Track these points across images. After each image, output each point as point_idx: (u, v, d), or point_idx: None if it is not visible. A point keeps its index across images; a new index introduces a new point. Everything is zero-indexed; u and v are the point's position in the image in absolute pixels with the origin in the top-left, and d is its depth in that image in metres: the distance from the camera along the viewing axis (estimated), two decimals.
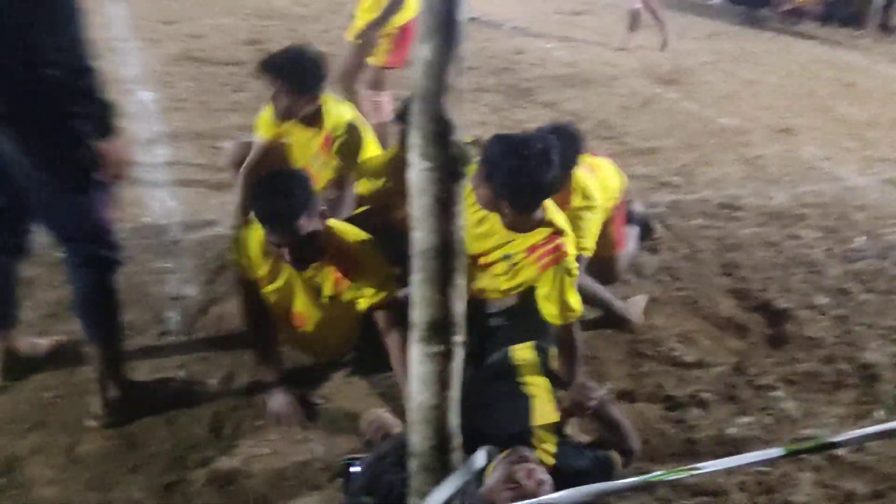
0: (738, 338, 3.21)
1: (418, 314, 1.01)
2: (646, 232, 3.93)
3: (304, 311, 2.65)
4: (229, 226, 3.79)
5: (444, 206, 0.92)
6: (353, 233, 2.60)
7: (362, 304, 2.53)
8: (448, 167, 0.90)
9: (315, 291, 2.58)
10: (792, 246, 4.00)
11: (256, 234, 2.52)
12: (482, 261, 2.66)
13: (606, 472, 2.20)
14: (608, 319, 3.18)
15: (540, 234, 2.57)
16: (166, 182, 4.28)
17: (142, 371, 2.75)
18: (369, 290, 2.51)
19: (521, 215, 2.52)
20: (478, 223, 2.62)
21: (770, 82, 7.44)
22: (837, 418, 2.70)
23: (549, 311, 2.53)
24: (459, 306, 1.00)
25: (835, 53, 9.05)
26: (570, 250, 2.57)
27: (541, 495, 1.68)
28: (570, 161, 2.91)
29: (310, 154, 3.31)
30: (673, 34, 9.53)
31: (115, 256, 2.42)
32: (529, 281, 2.60)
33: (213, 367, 2.80)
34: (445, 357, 1.02)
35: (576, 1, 11.47)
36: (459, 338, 1.01)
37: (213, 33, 7.68)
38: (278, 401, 2.58)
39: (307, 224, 2.37)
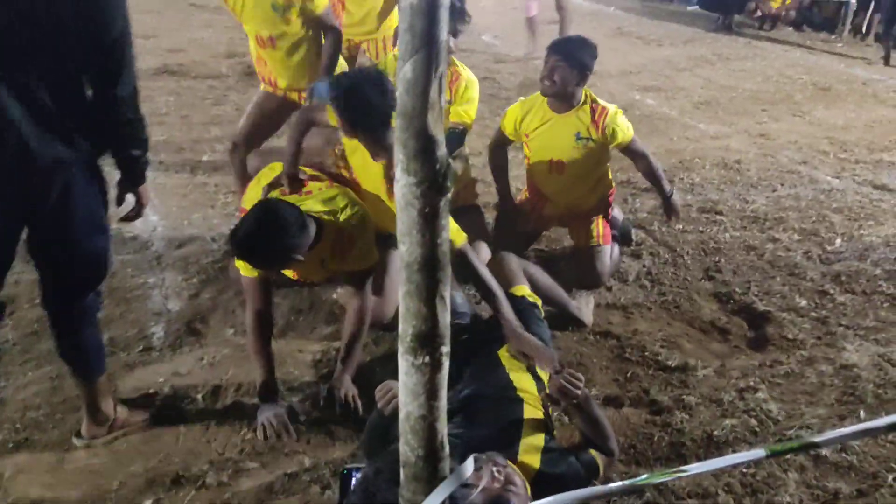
0: (720, 341, 3.25)
1: (404, 326, 1.03)
2: (626, 238, 3.97)
3: (308, 277, 3.00)
4: (212, 239, 3.80)
5: (428, 220, 0.94)
6: (344, 216, 2.71)
7: (354, 265, 2.78)
8: (432, 182, 0.92)
9: (317, 265, 2.77)
10: (772, 249, 4.05)
11: None
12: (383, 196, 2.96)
13: (591, 475, 2.21)
14: (564, 316, 3.25)
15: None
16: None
17: (127, 386, 2.74)
18: (360, 260, 2.76)
19: (375, 142, 2.75)
20: (372, 164, 2.89)
21: (747, 87, 7.53)
22: (820, 419, 2.73)
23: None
24: (445, 317, 1.01)
25: (810, 58, 9.18)
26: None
27: (509, 497, 1.69)
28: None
29: None
30: (650, 40, 9.63)
31: (101, 297, 2.37)
32: None
33: (198, 383, 2.79)
34: (432, 368, 1.03)
35: (553, 9, 11.58)
36: (446, 349, 1.03)
37: (192, 47, 7.69)
38: (267, 413, 2.58)
39: (297, 256, 2.49)
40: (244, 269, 2.64)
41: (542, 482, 2.01)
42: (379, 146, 2.74)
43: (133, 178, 2.20)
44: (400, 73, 0.90)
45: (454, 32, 3.43)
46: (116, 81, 1.99)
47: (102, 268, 2.24)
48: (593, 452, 2.25)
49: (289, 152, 2.98)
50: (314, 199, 2.74)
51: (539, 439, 2.19)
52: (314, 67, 3.73)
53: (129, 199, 2.28)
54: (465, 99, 3.51)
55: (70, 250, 2.13)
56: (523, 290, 2.90)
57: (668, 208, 3.68)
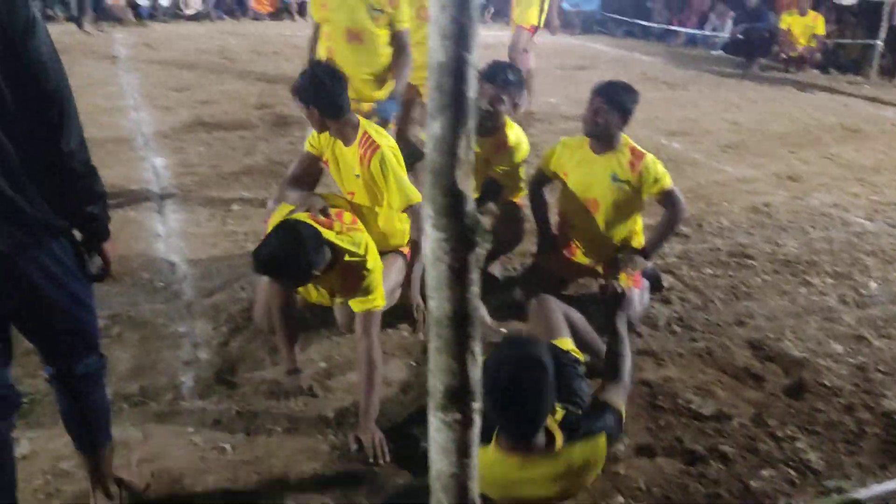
0: (755, 388, 3.18)
1: (434, 382, 1.02)
2: (655, 284, 3.93)
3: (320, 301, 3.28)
4: (241, 288, 3.83)
5: (459, 275, 0.94)
6: (360, 253, 2.88)
7: (356, 307, 2.87)
8: (461, 237, 0.92)
9: (325, 291, 3.13)
10: (805, 293, 3.99)
11: None
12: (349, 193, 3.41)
13: (619, 427, 2.45)
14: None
15: (357, 142, 3.27)
16: (179, 247, 4.32)
17: (156, 437, 2.74)
18: (364, 299, 2.86)
19: (331, 120, 3.23)
20: (348, 166, 3.33)
21: (774, 130, 7.52)
22: (861, 468, 2.65)
23: (395, 201, 3.21)
24: (476, 373, 1.01)
25: (837, 100, 9.15)
26: (376, 137, 3.25)
27: None
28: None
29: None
30: (675, 85, 9.68)
31: (104, 361, 2.24)
32: (378, 187, 3.28)
33: (227, 433, 2.79)
34: (463, 425, 1.02)
35: (578, 56, 11.72)
36: (477, 405, 1.01)
37: (224, 99, 7.86)
38: (291, 380, 3.04)
39: (314, 272, 2.72)
40: None
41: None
42: (348, 127, 3.25)
43: (95, 236, 2.03)
44: (429, 130, 0.91)
45: (515, 107, 3.89)
46: (59, 134, 1.80)
47: (89, 336, 2.13)
48: (612, 402, 2.46)
49: (297, 198, 3.26)
50: (336, 234, 2.90)
51: (558, 415, 2.23)
52: (382, 81, 4.21)
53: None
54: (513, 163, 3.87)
55: (51, 329, 2.02)
56: (567, 343, 2.78)
57: (633, 262, 3.56)
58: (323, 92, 3.16)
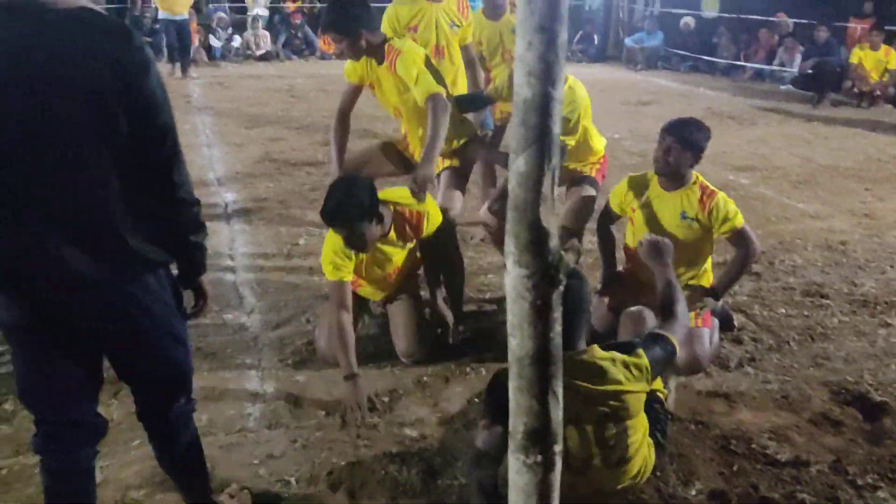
0: (833, 434, 3.04)
1: (515, 422, 0.99)
2: (727, 323, 3.82)
3: (381, 274, 3.45)
4: (306, 321, 3.87)
5: (541, 313, 0.92)
6: (417, 207, 3.39)
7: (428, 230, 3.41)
8: (544, 274, 0.91)
9: (388, 252, 3.38)
10: (884, 335, 3.83)
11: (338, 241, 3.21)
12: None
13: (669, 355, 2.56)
14: None
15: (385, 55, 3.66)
16: (247, 280, 4.40)
17: (223, 467, 2.77)
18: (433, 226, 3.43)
19: (350, 42, 3.57)
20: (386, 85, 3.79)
21: (847, 166, 7.30)
22: None
23: (419, 93, 3.53)
24: (558, 414, 0.98)
25: None
26: (398, 44, 3.63)
27: None
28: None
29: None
30: (742, 120, 9.52)
31: (194, 404, 2.26)
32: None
33: (291, 465, 2.80)
34: (545, 468, 0.99)
35: (642, 91, 11.63)
36: (559, 447, 0.98)
37: (292, 136, 8.05)
38: (350, 389, 3.11)
39: (369, 228, 3.11)
40: (328, 273, 3.26)
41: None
42: (378, 42, 3.63)
43: (193, 267, 2.09)
44: (513, 165, 0.90)
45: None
46: (171, 166, 1.88)
47: (184, 377, 2.14)
48: (666, 333, 2.57)
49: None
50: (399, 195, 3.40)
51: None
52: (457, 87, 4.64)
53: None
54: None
55: (147, 367, 2.04)
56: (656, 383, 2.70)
57: (702, 301, 3.53)
58: (354, 13, 3.53)
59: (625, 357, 2.42)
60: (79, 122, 1.72)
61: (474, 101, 4.31)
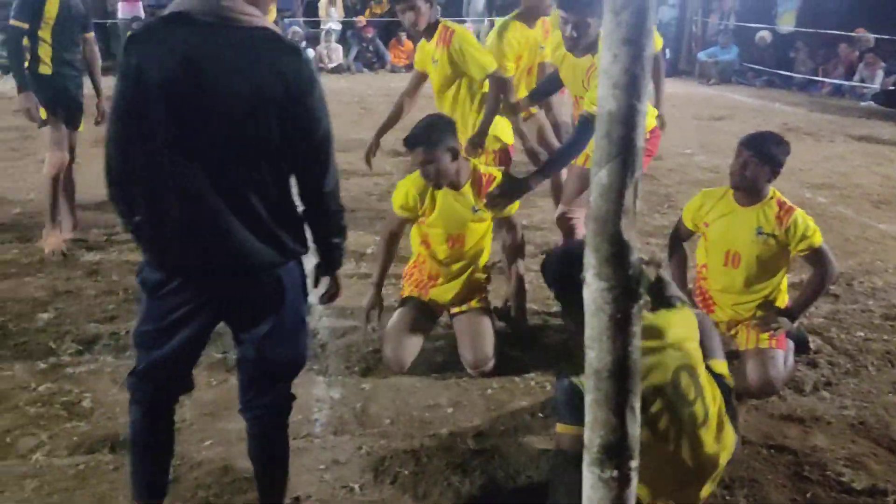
0: None
1: (591, 436, 0.99)
2: (802, 345, 3.70)
3: (454, 232, 3.56)
4: (372, 329, 3.91)
5: (621, 327, 0.92)
6: (490, 169, 3.66)
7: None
8: (624, 287, 0.90)
9: (461, 208, 3.51)
10: None
11: (415, 180, 3.49)
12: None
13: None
14: None
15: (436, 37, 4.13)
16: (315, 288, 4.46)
17: (290, 472, 2.81)
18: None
19: (429, 5, 4.02)
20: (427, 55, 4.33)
21: None
22: None
23: (475, 71, 4.03)
24: (635, 429, 0.97)
25: None
26: (453, 26, 4.10)
27: None
28: None
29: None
30: (820, 136, 9.24)
31: (292, 399, 2.41)
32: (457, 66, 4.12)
33: (356, 472, 2.83)
34: (620, 483, 0.98)
35: (715, 106, 11.41)
36: (635, 462, 0.97)
37: (361, 147, 8.10)
38: (371, 300, 3.57)
39: (446, 159, 3.33)
40: (396, 208, 3.54)
41: None
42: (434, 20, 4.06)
43: (331, 264, 2.35)
44: (595, 177, 0.90)
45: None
46: (323, 177, 2.12)
47: (302, 360, 2.33)
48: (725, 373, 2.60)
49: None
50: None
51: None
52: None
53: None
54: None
55: (273, 345, 2.20)
56: (721, 366, 2.67)
57: (776, 322, 3.43)
58: None
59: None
60: (251, 127, 1.95)
61: (548, 85, 4.42)
